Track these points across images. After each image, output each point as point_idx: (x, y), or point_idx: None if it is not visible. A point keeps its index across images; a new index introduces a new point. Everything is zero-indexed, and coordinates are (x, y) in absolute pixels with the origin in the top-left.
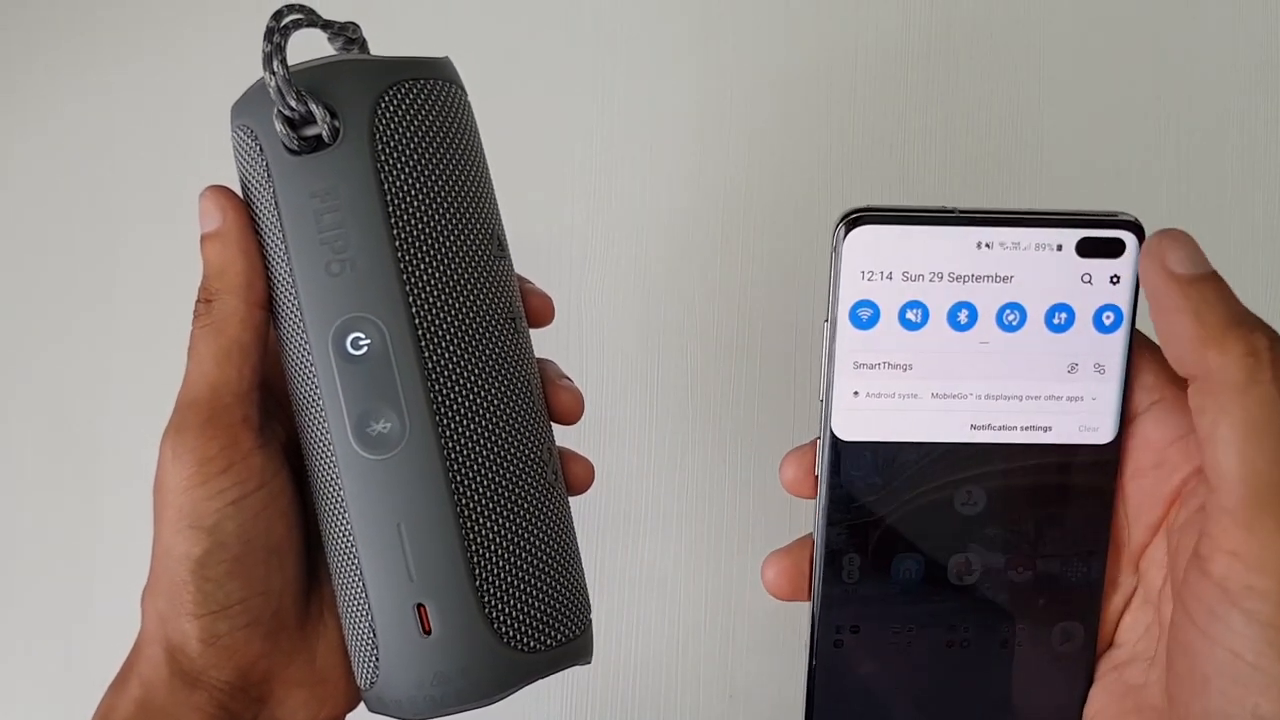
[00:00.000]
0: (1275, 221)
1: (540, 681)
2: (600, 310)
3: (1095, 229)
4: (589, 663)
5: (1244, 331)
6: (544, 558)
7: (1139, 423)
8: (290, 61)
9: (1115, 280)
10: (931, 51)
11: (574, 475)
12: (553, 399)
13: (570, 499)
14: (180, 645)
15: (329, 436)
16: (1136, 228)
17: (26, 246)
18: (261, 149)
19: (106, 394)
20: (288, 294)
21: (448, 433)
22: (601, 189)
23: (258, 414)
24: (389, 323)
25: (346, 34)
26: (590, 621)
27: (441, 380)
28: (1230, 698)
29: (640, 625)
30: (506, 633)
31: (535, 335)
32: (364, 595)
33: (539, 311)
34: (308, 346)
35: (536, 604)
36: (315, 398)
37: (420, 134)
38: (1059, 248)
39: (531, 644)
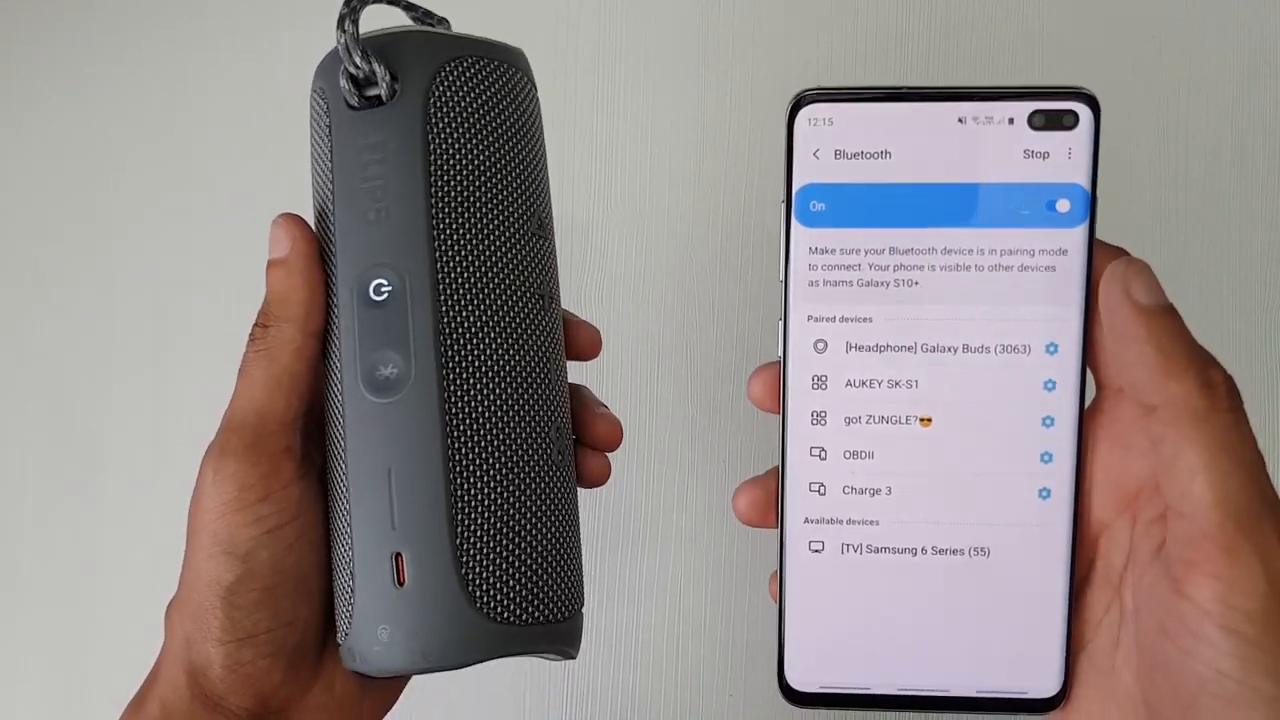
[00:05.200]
0: (1275, 221)
1: (540, 679)
2: (601, 311)
3: (1048, 101)
4: (573, 657)
5: (1201, 365)
6: (533, 531)
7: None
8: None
9: (1070, 155)
10: (931, 51)
11: (588, 470)
12: (590, 427)
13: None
14: (203, 669)
15: (341, 379)
16: (1091, 100)
17: (25, 248)
18: (328, 108)
19: (109, 401)
20: (329, 244)
21: (452, 385)
22: (602, 190)
23: (301, 443)
24: (411, 271)
25: (431, 22)
26: (579, 614)
27: (454, 333)
28: (1219, 714)
29: (640, 625)
30: (481, 597)
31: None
32: (349, 538)
33: (588, 345)
34: (338, 293)
35: (518, 575)
36: (336, 343)
37: (473, 105)
38: (1010, 121)
39: (506, 615)
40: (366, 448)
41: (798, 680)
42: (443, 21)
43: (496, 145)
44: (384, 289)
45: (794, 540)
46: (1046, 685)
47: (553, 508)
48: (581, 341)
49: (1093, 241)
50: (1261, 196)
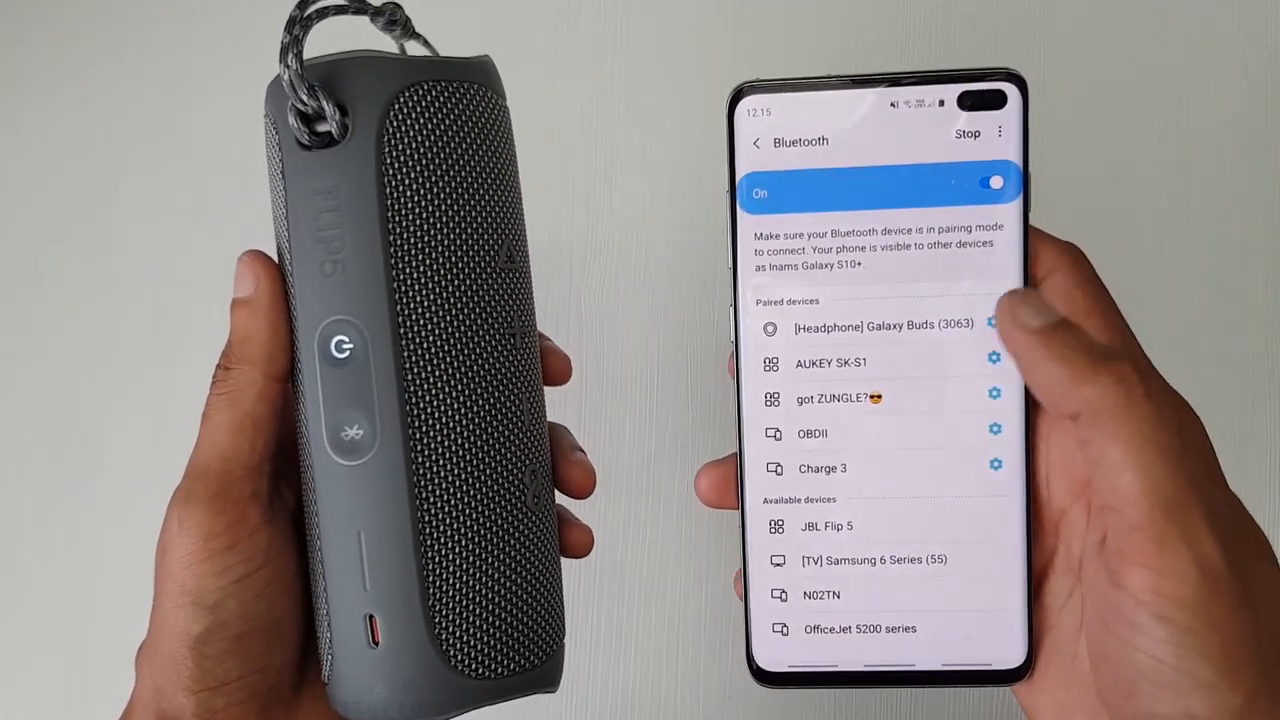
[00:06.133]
0: (1275, 221)
1: None
2: (600, 312)
3: (976, 82)
4: (553, 691)
5: (1109, 363)
6: (508, 585)
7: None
8: (328, 51)
9: (1000, 132)
10: (932, 50)
11: (571, 541)
12: (563, 473)
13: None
14: (176, 717)
15: (309, 437)
16: (1018, 79)
17: (25, 248)
18: (279, 141)
19: (109, 401)
20: (290, 289)
21: (419, 446)
22: (602, 191)
23: (268, 487)
24: (371, 328)
25: (385, 16)
26: (559, 649)
27: (419, 391)
28: (1160, 700)
29: (640, 625)
30: (454, 656)
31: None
32: (325, 597)
33: (557, 371)
34: (300, 344)
35: (491, 631)
36: (302, 399)
37: (432, 140)
38: (941, 103)
39: (480, 670)
40: (336, 509)
41: (766, 661)
42: (391, 9)
43: (459, 181)
44: (345, 346)
45: (754, 520)
46: (1011, 656)
47: (527, 556)
48: (551, 371)
49: (1028, 215)
50: (1262, 196)
